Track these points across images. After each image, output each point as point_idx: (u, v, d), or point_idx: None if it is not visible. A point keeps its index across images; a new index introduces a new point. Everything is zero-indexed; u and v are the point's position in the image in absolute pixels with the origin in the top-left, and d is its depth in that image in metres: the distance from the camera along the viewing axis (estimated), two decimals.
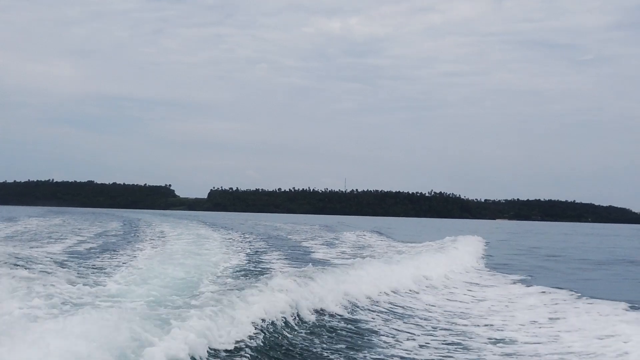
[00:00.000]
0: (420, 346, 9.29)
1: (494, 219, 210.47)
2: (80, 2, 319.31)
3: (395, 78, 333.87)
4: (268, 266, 17.64)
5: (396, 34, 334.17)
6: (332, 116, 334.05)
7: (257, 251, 22.83)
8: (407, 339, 9.67)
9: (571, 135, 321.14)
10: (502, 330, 10.72)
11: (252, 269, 16.45)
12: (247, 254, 21.09)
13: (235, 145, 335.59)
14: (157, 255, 17.80)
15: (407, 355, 8.67)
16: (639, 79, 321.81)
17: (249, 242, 27.92)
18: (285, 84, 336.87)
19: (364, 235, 39.81)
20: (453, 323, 11.35)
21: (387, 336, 9.78)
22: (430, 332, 10.47)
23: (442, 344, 9.56)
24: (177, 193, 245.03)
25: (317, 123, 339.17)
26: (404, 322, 11.06)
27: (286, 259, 20.47)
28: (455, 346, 9.38)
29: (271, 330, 8.58)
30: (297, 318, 9.62)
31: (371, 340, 9.39)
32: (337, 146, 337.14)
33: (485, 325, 11.19)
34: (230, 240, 28.00)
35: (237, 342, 7.70)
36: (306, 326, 9.49)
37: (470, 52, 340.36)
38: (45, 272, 12.47)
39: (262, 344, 7.95)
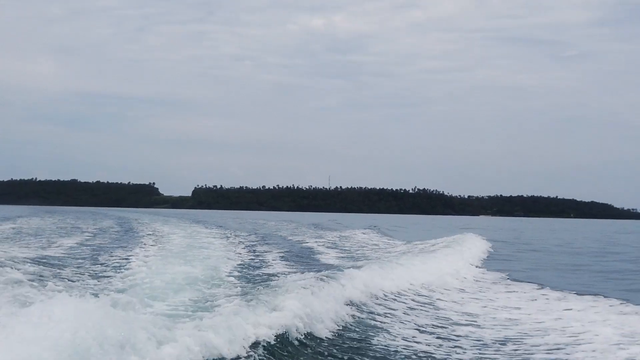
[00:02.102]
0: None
1: (477, 215, 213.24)
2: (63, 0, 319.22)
3: (379, 75, 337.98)
4: (272, 267, 17.23)
5: (379, 31, 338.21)
6: (316, 113, 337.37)
7: (256, 251, 22.20)
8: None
9: (554, 131, 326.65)
10: (433, 291, 13.47)
11: (255, 271, 15.95)
12: (247, 254, 20.64)
13: (219, 143, 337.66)
14: (157, 256, 17.50)
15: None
16: (622, 75, 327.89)
17: (246, 240, 27.65)
18: (269, 81, 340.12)
19: (364, 234, 38.59)
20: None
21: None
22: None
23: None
24: (161, 191, 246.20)
25: (301, 120, 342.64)
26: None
27: (288, 260, 19.75)
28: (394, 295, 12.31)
29: (280, 341, 8.08)
30: (307, 327, 8.88)
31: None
32: (320, 143, 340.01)
33: (421, 287, 14.05)
34: (228, 239, 27.86)
35: (246, 351, 7.34)
36: (314, 333, 8.93)
37: (454, 48, 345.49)
38: (44, 271, 12.54)
39: (270, 355, 7.65)
